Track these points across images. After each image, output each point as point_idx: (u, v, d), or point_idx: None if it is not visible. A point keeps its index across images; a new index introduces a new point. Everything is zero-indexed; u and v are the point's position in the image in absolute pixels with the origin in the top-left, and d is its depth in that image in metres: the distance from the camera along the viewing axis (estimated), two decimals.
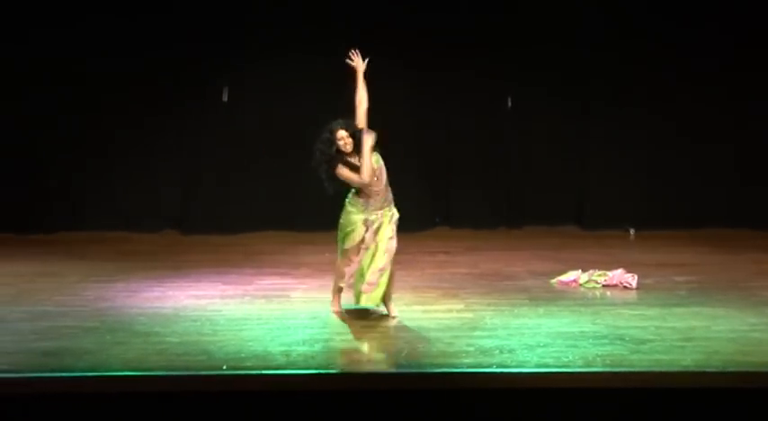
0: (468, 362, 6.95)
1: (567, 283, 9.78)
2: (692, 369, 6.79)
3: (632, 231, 12.93)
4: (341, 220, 8.23)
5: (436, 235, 12.85)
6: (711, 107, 12.98)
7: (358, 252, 8.15)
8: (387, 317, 8.29)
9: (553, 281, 9.87)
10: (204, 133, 12.95)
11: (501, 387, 6.53)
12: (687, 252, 11.47)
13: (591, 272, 9.82)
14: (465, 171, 13.21)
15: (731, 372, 6.69)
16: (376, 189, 8.09)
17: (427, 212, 13.21)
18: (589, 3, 12.82)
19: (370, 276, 8.05)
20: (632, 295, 9.38)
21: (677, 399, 6.39)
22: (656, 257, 11.06)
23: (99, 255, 11.30)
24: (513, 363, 6.92)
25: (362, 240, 8.11)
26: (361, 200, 8.14)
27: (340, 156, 8.02)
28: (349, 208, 8.17)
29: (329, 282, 8.78)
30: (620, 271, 9.76)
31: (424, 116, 13.02)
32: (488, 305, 8.81)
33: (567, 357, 7.05)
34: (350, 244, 8.16)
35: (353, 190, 8.17)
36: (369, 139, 7.95)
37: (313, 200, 12.69)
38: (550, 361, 6.98)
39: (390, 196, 8.24)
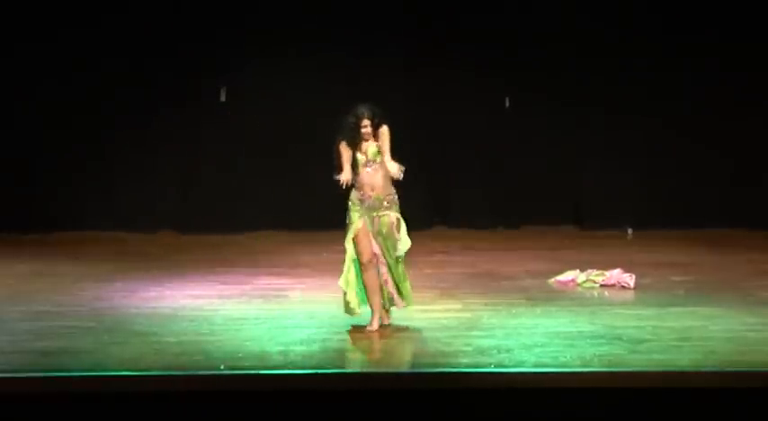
0: (465, 362, 6.95)
1: (564, 283, 9.78)
2: (688, 369, 6.79)
3: (630, 231, 12.93)
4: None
5: (434, 235, 12.83)
6: (707, 108, 12.97)
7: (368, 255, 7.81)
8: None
9: (551, 281, 9.87)
10: (201, 133, 12.94)
11: (498, 386, 6.53)
12: (684, 252, 11.46)
13: (589, 272, 9.81)
14: (463, 171, 13.20)
15: (728, 372, 6.69)
16: (368, 185, 7.81)
17: (425, 212, 13.20)
18: (588, 5, 12.82)
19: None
20: (630, 295, 9.38)
21: (674, 399, 6.39)
22: (653, 257, 11.06)
23: (96, 255, 11.28)
24: (511, 363, 6.92)
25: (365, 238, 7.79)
26: (356, 193, 7.88)
27: (356, 137, 7.80)
28: (349, 204, 7.90)
29: (327, 282, 8.76)
30: (617, 271, 9.75)
31: (423, 116, 13.00)
32: (486, 305, 8.80)
33: (565, 357, 7.05)
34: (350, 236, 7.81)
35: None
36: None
37: (311, 199, 12.75)
38: (548, 360, 6.98)
39: (392, 198, 7.91)
